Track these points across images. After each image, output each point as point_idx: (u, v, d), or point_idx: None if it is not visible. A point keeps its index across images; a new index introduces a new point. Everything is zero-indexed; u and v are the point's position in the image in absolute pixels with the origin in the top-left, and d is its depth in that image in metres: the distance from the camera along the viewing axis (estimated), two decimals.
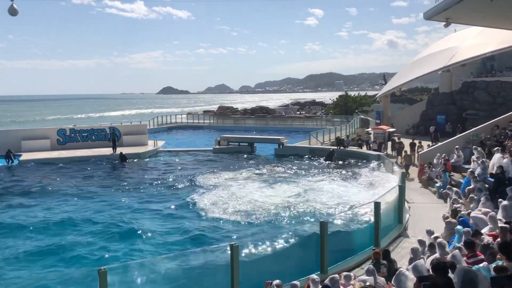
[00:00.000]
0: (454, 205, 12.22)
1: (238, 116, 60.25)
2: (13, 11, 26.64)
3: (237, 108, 76.02)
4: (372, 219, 11.44)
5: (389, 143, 27.72)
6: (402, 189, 13.64)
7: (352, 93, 59.68)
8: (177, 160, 28.02)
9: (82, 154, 28.53)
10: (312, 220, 14.00)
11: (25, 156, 27.56)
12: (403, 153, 23.29)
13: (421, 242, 8.86)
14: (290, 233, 11.65)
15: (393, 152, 26.13)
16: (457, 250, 6.72)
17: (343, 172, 22.83)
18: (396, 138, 26.85)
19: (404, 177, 15.19)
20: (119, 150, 28.73)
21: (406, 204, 14.80)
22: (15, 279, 10.32)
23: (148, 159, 28.44)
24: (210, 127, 52.44)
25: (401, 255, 10.48)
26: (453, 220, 10.40)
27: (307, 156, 27.98)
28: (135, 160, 27.83)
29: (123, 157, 27.33)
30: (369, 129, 34.46)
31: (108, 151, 29.26)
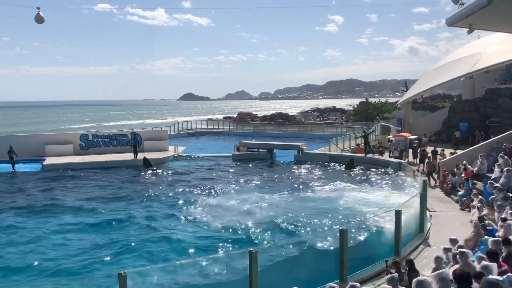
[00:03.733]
0: (481, 213, 11.98)
1: (257, 123, 60.35)
2: (39, 19, 27.51)
3: (256, 114, 76.16)
4: (393, 227, 11.29)
5: (410, 151, 27.42)
6: (423, 197, 13.44)
7: (372, 100, 59.22)
8: (196, 165, 28.19)
9: (105, 159, 28.93)
10: (332, 227, 13.90)
11: (48, 161, 28.08)
12: (426, 161, 22.97)
13: (446, 251, 8.68)
14: (309, 240, 11.58)
15: (415, 159, 25.82)
16: (494, 264, 6.41)
17: (364, 179, 22.62)
18: (416, 145, 26.55)
19: (426, 185, 14.96)
20: (140, 155, 29.05)
21: (427, 212, 14.58)
22: (37, 281, 10.50)
23: (168, 165, 28.66)
24: (230, 133, 52.67)
25: (422, 264, 10.31)
26: (480, 227, 10.21)
27: (326, 163, 27.83)
28: (157, 164, 28.05)
29: (146, 163, 27.55)
30: (390, 136, 34.12)
31: (129, 156, 29.63)
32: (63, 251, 12.71)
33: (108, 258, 11.95)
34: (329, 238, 11.62)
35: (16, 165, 26.54)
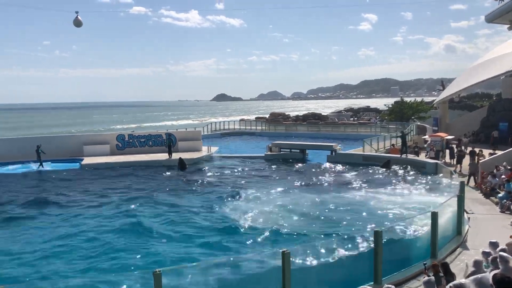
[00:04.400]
0: None
1: (290, 123, 60.22)
2: (78, 23, 28.43)
3: (289, 114, 75.98)
4: (429, 229, 11.03)
5: (447, 151, 26.76)
6: (461, 198, 13.08)
7: (408, 99, 58.06)
8: (229, 165, 28.37)
9: (140, 159, 29.54)
10: (366, 228, 13.72)
11: (86, 161, 28.92)
12: (463, 161, 22.34)
13: (485, 254, 8.42)
14: (343, 241, 11.47)
15: (452, 160, 25.16)
16: None
17: (399, 180, 22.22)
18: (455, 146, 25.84)
19: (463, 186, 14.54)
20: (175, 155, 29.48)
21: (465, 214, 14.18)
22: (73, 278, 10.82)
23: (202, 165, 28.96)
24: (262, 133, 52.75)
25: (459, 268, 10.04)
26: None
27: (360, 164, 27.46)
28: (190, 164, 28.41)
29: (182, 163, 27.91)
30: (426, 136, 33.38)
31: (164, 156, 30.15)
32: (101, 246, 13.06)
33: (138, 256, 12.16)
34: (363, 239, 11.48)
35: (57, 164, 27.39)
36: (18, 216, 16.77)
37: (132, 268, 11.36)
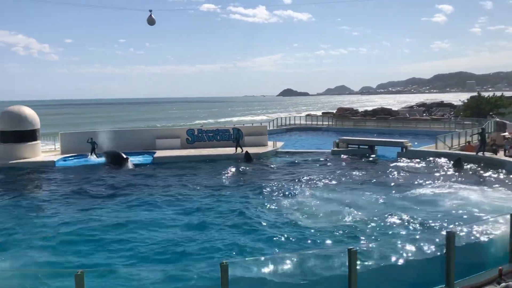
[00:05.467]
0: None
1: (358, 118, 59.03)
2: (151, 21, 29.68)
3: (357, 109, 74.44)
4: (506, 232, 10.37)
5: None
6: None
7: (485, 94, 54.81)
8: (295, 161, 28.35)
9: (209, 153, 30.38)
10: (437, 229, 13.18)
11: (158, 154, 30.19)
12: None
13: None
14: (412, 241, 11.10)
15: None
16: None
17: (474, 179, 21.08)
18: None
19: None
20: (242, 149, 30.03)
21: None
22: (144, 264, 11.37)
23: (267, 160, 29.21)
24: (329, 129, 52.12)
25: None
26: None
27: (433, 161, 26.32)
28: (256, 159, 28.76)
29: (248, 157, 28.44)
30: (506, 133, 31.29)
31: (231, 150, 30.78)
32: (173, 236, 13.59)
33: (196, 248, 12.47)
34: (434, 240, 11.05)
35: (131, 157, 28.80)
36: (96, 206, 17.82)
37: (198, 258, 11.72)
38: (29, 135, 29.15)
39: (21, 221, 15.61)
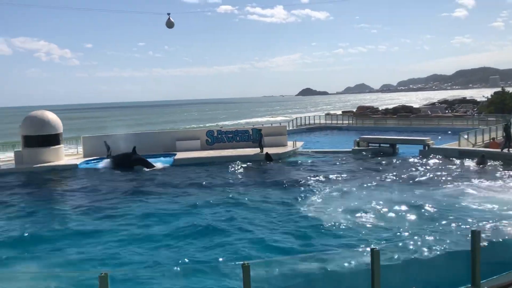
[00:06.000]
0: None
1: (378, 116, 58.42)
2: (170, 24, 29.90)
3: (377, 107, 73.66)
4: None
5: None
6: None
7: (510, 89, 53.60)
8: (315, 160, 28.21)
9: (229, 154, 30.44)
10: (461, 227, 12.93)
11: (179, 155, 30.40)
12: None
13: None
14: (437, 240, 10.91)
15: None
16: None
17: (499, 177, 20.63)
18: None
19: None
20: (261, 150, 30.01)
21: None
22: (166, 265, 11.45)
23: (287, 160, 29.13)
24: (349, 128, 51.74)
25: None
26: None
27: (456, 159, 25.85)
28: (276, 159, 28.72)
29: (268, 157, 28.49)
30: None
31: (251, 151, 30.79)
32: (192, 235, 13.70)
33: (223, 248, 12.51)
34: (459, 238, 10.85)
35: (151, 159, 29.06)
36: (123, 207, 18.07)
37: (220, 259, 11.74)
38: (52, 139, 29.70)
39: (47, 223, 15.90)
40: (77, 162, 28.94)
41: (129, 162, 27.89)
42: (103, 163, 28.45)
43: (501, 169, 22.54)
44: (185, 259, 11.71)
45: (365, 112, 64.24)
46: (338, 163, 27.09)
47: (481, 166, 23.58)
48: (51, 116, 30.34)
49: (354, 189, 19.31)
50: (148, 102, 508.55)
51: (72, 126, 79.98)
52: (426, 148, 28.40)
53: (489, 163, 23.91)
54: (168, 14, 29.45)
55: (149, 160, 28.57)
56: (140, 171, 26.80)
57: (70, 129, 60.16)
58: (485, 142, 28.98)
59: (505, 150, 24.95)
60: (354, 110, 72.86)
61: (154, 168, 27.40)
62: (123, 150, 29.01)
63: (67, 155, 31.74)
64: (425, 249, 10.39)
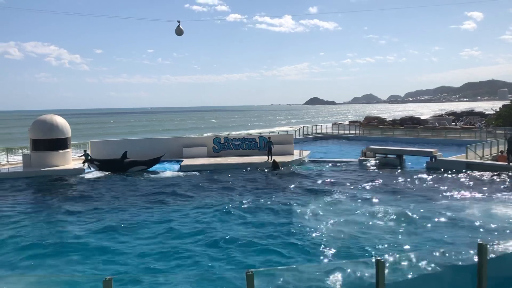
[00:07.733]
0: None
1: (386, 127, 58.30)
2: (179, 32, 30.13)
3: (385, 118, 73.49)
4: None
5: None
6: None
7: None
8: (321, 170, 28.12)
9: (235, 161, 30.48)
10: (468, 241, 12.82)
11: (185, 162, 30.46)
12: None
13: None
14: (442, 254, 10.81)
15: None
16: None
17: (507, 190, 20.45)
18: None
19: None
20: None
21: None
22: (175, 270, 11.44)
23: (294, 168, 29.05)
24: (356, 138, 51.63)
25: None
26: None
27: (463, 172, 25.69)
28: (282, 168, 28.68)
29: (275, 165, 28.62)
30: None
31: (258, 159, 30.81)
32: (204, 240, 13.78)
33: (225, 255, 12.50)
34: (465, 252, 10.74)
35: (158, 165, 29.12)
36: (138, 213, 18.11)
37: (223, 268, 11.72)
38: (61, 144, 29.90)
39: (55, 227, 15.96)
40: (85, 166, 29.08)
41: (120, 166, 28.35)
42: (92, 168, 28.87)
43: (508, 182, 22.35)
44: (189, 267, 11.72)
45: (372, 122, 64.14)
46: (344, 173, 27.00)
47: (490, 177, 23.38)
48: (60, 120, 30.56)
49: (359, 199, 19.22)
50: (156, 108, 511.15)
51: (81, 132, 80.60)
52: (433, 160, 28.25)
53: (497, 177, 23.67)
54: (178, 21, 29.73)
55: (156, 165, 28.65)
56: (144, 175, 26.87)
57: (79, 136, 60.58)
58: (493, 155, 28.78)
59: (511, 164, 24.76)
60: (361, 120, 72.79)
61: (156, 157, 28.31)
62: (134, 155, 29.31)
63: (75, 159, 31.92)
64: (431, 262, 10.30)
